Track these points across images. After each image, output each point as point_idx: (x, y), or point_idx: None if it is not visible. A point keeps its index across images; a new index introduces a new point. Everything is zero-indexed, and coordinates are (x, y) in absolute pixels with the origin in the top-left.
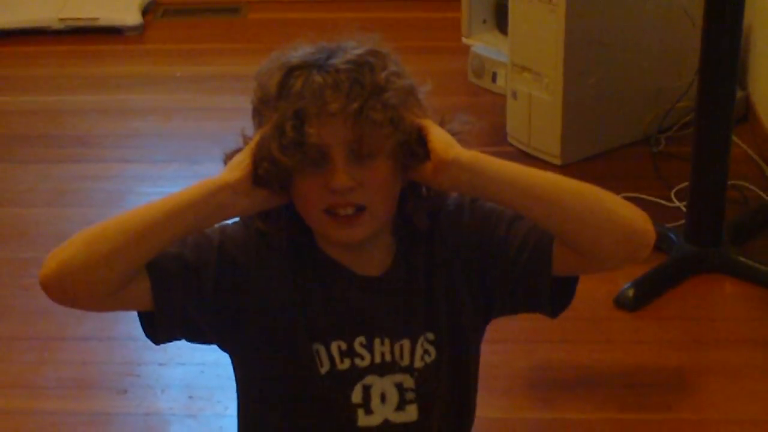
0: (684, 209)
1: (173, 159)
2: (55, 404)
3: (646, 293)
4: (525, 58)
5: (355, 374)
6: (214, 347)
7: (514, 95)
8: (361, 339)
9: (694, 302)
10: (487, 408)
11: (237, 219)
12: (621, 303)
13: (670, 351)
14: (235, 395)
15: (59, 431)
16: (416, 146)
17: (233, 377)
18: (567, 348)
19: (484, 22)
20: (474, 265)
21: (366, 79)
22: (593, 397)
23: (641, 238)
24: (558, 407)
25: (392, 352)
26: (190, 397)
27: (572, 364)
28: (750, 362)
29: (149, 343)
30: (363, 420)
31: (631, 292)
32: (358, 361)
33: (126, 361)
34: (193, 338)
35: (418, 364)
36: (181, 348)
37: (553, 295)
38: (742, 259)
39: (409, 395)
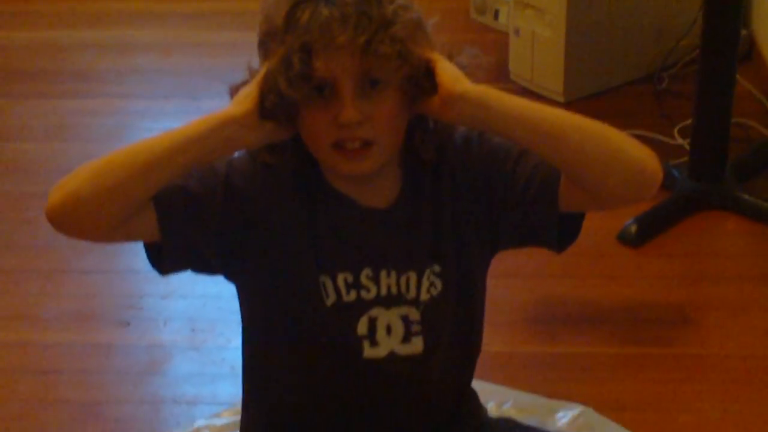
0: (687, 147)
1: (174, 95)
2: (57, 336)
3: (649, 229)
4: None
5: (361, 306)
6: (217, 280)
7: (517, 32)
8: (367, 271)
9: (696, 239)
10: (490, 342)
11: (243, 152)
12: (624, 239)
13: (672, 287)
14: (237, 328)
15: (61, 363)
16: (424, 80)
17: (235, 310)
18: (570, 283)
19: None
20: (481, 198)
21: (373, 11)
22: (596, 331)
23: (648, 178)
24: (561, 341)
25: (398, 285)
26: (193, 329)
27: (575, 300)
28: (752, 298)
29: (151, 275)
30: (368, 352)
31: (634, 228)
32: (364, 293)
33: (128, 293)
34: (199, 269)
35: (423, 296)
36: (183, 280)
37: (559, 231)
38: (744, 195)
39: (415, 328)
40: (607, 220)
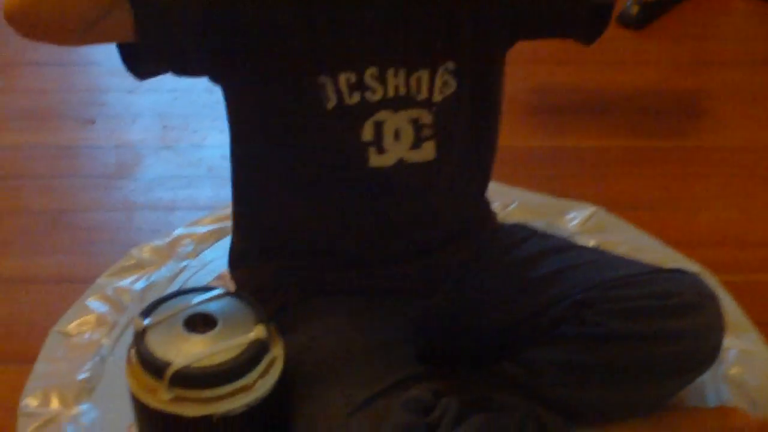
0: None
1: None
2: (17, 137)
3: (651, 10)
4: None
5: (366, 110)
6: None
7: None
8: (372, 71)
9: (702, 20)
10: None
11: None
12: (624, 20)
13: (679, 73)
14: (213, 124)
15: (22, 168)
16: None
17: (210, 104)
18: (569, 70)
19: None
20: None
21: None
22: (601, 123)
23: None
24: (564, 135)
25: (407, 85)
26: (164, 126)
27: (576, 88)
28: (764, 85)
29: (115, 68)
30: (374, 160)
31: (635, 9)
32: (368, 95)
33: (90, 88)
34: (180, 71)
35: (436, 97)
36: None
37: (589, 19)
38: None
39: (426, 132)
40: None
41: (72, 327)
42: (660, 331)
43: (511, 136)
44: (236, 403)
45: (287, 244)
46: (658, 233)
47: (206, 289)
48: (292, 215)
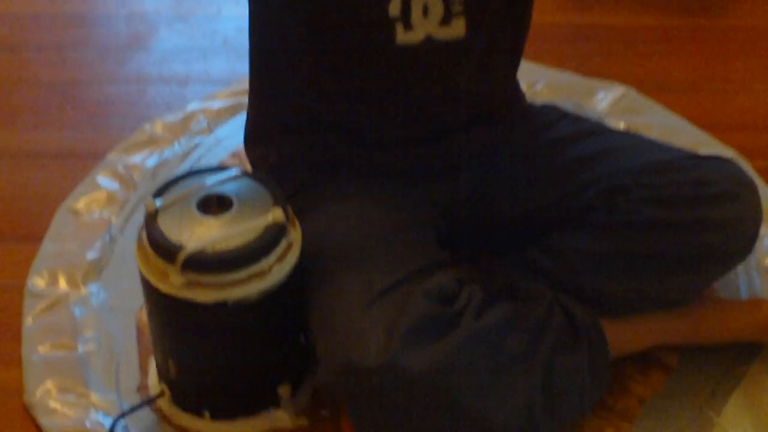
0: None
1: None
2: (24, 6)
3: None
4: None
5: None
6: None
7: None
8: None
9: None
10: None
11: None
12: None
13: None
14: None
15: (31, 37)
16: None
17: None
18: None
19: None
20: None
21: None
22: None
23: None
24: (590, 10)
25: None
26: None
27: None
28: None
29: None
30: (402, 36)
31: None
32: None
33: None
34: None
35: None
36: None
37: None
38: None
39: (457, 7)
40: None
41: (81, 204)
42: (695, 221)
43: (536, 11)
44: (251, 290)
45: (307, 120)
46: (690, 116)
47: (221, 168)
48: (313, 90)
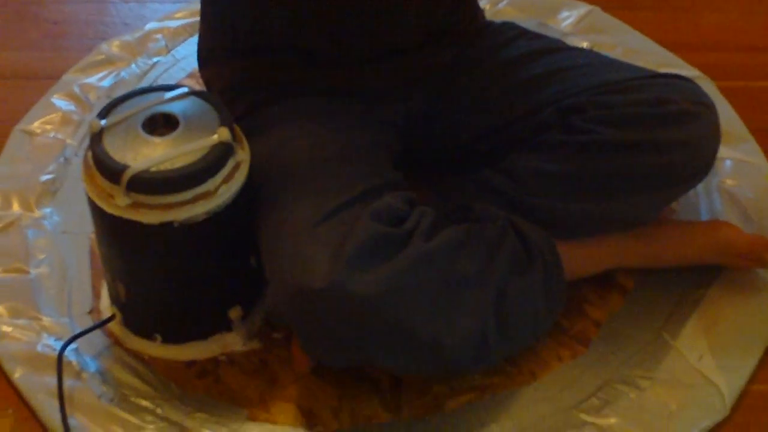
0: None
1: None
2: None
3: None
4: None
5: None
6: None
7: None
8: None
9: None
10: None
11: None
12: None
13: None
14: None
15: None
16: None
17: None
18: None
19: None
20: None
21: None
22: None
23: None
24: None
25: None
26: None
27: None
28: None
29: None
30: None
31: None
32: None
33: None
34: None
35: None
36: None
37: None
38: None
39: None
40: None
41: (36, 126)
42: (651, 140)
43: None
44: (197, 210)
45: (257, 40)
46: (656, 35)
47: (168, 88)
48: (263, 9)
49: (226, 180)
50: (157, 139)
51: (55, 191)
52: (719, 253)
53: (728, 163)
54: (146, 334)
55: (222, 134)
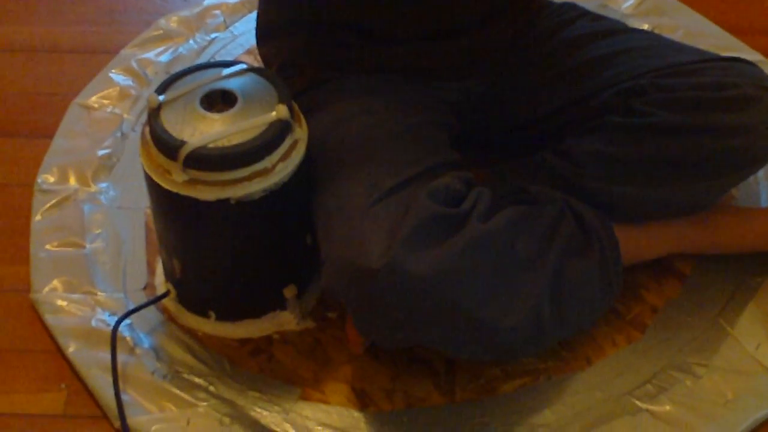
0: None
1: None
2: None
3: None
4: None
5: None
6: None
7: None
8: None
9: None
10: None
11: None
12: None
13: None
14: None
15: None
16: None
17: None
18: None
19: None
20: None
21: None
22: None
23: None
24: None
25: None
26: None
27: None
28: None
29: None
30: None
31: None
32: None
33: None
34: None
35: None
36: None
37: None
38: None
39: None
40: None
41: (93, 100)
42: (712, 125)
43: None
44: (254, 188)
45: (317, 16)
46: (717, 18)
47: (227, 64)
48: None
49: (284, 158)
50: (215, 116)
51: (112, 166)
52: None
53: None
54: (200, 311)
55: (280, 111)
